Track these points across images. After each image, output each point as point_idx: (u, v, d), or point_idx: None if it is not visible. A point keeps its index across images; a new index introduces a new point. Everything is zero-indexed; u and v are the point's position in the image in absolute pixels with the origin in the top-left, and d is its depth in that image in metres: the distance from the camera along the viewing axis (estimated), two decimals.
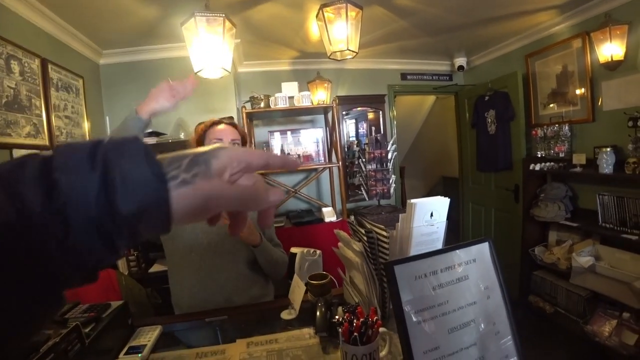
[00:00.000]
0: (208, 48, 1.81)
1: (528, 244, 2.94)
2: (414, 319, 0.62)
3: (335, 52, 1.98)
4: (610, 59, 2.38)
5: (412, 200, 0.84)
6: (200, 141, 1.36)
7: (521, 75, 3.09)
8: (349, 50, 1.96)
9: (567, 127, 2.73)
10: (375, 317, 0.73)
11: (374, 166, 3.13)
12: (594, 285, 2.34)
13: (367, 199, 3.24)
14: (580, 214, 2.66)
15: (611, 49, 2.36)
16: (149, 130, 2.38)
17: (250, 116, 3.06)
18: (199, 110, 2.83)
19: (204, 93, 2.82)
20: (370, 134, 3.72)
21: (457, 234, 4.19)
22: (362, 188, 3.29)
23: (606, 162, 2.30)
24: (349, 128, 4.00)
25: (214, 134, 1.34)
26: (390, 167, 3.19)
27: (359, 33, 1.98)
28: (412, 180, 5.81)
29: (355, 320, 0.72)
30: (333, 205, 3.22)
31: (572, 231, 2.71)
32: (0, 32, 1.63)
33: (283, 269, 1.48)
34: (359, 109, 3.90)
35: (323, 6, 1.90)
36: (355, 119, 4.15)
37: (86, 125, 2.41)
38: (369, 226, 0.96)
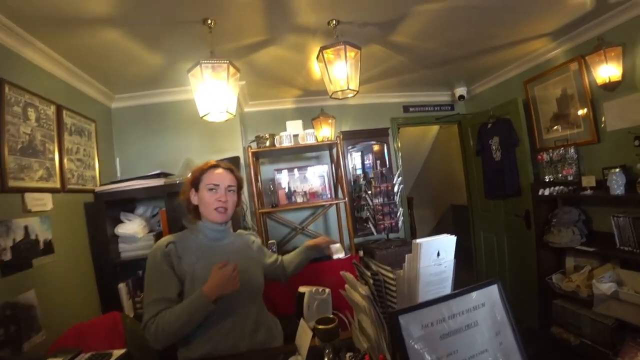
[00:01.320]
0: (213, 93, 1.88)
1: (544, 271, 2.83)
2: None
3: (337, 91, 2.03)
4: (608, 80, 2.40)
5: (417, 241, 0.83)
6: (196, 183, 1.35)
7: (521, 101, 3.12)
8: (350, 89, 2.01)
9: (573, 150, 2.71)
10: None
11: (380, 200, 3.12)
12: (619, 313, 2.22)
13: (375, 233, 3.21)
14: (597, 238, 2.57)
15: (608, 71, 2.39)
16: (157, 172, 2.43)
17: (257, 155, 3.12)
18: (206, 150, 2.90)
19: (211, 133, 2.91)
20: (376, 167, 3.74)
21: (471, 264, 4.08)
22: (369, 222, 3.26)
23: (617, 183, 2.26)
24: (355, 161, 4.03)
25: (211, 179, 1.33)
26: (397, 200, 3.18)
27: (359, 72, 2.04)
28: (421, 210, 5.74)
29: None
30: (341, 241, 3.18)
31: (590, 256, 2.60)
32: (19, 82, 1.73)
33: None
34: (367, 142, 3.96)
35: (323, 48, 1.97)
36: (362, 152, 4.20)
37: (97, 167, 2.48)
38: (375, 268, 0.94)
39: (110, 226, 2.34)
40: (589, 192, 2.47)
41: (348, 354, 1.00)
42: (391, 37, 2.38)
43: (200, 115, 1.94)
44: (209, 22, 1.83)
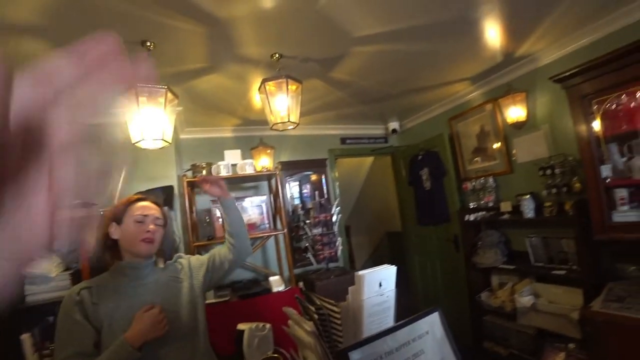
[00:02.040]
0: (148, 119, 1.78)
1: (474, 290, 3.05)
2: None
3: (277, 123, 2.05)
4: (516, 120, 2.79)
5: (360, 273, 0.85)
6: (119, 216, 1.24)
7: (447, 135, 3.45)
8: (290, 121, 2.05)
9: (491, 179, 3.04)
10: None
11: (319, 230, 3.14)
12: (538, 322, 2.46)
13: (315, 263, 3.20)
14: (515, 256, 2.87)
15: (516, 112, 2.78)
16: (76, 201, 2.18)
17: (192, 184, 2.97)
18: (136, 178, 2.68)
19: (142, 160, 2.70)
20: (315, 197, 3.78)
21: (407, 288, 4.23)
22: (309, 252, 3.25)
23: (528, 208, 2.57)
24: (292, 191, 4.04)
25: (139, 210, 1.26)
26: (336, 229, 3.22)
27: (300, 105, 2.10)
28: (358, 238, 5.89)
29: None
30: (281, 273, 3.11)
31: (511, 273, 2.87)
32: None
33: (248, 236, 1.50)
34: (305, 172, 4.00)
35: (265, 80, 2.00)
36: (299, 181, 4.23)
37: None
38: (319, 302, 0.93)
39: None
40: (506, 216, 2.77)
41: None
42: (331, 74, 2.50)
43: (133, 142, 1.81)
44: (148, 44, 1.76)
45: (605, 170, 2.06)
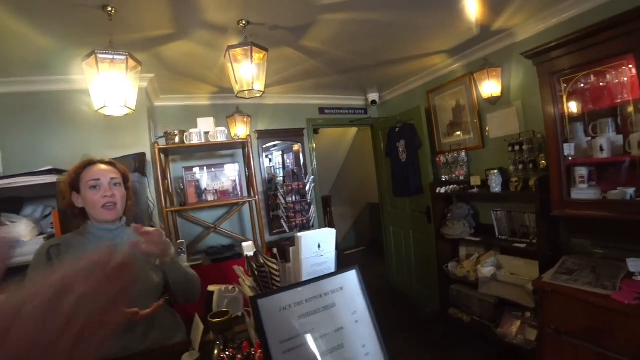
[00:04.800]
0: (110, 85, 1.75)
1: (442, 260, 3.17)
2: (280, 350, 0.64)
3: (243, 91, 2.03)
4: (490, 95, 2.79)
5: (298, 234, 0.89)
6: (76, 184, 1.27)
7: (424, 108, 3.43)
8: (256, 90, 2.03)
9: (464, 154, 3.08)
10: (260, 350, 0.74)
11: (293, 198, 3.19)
12: (498, 291, 2.60)
13: (287, 230, 3.28)
14: (482, 229, 2.96)
15: (491, 87, 2.76)
16: (49, 167, 2.17)
17: (166, 152, 2.96)
18: (108, 145, 2.66)
19: (113, 128, 2.68)
20: (293, 165, 3.81)
21: (383, 256, 4.38)
22: (282, 220, 3.32)
23: (495, 183, 2.62)
24: (275, 160, 4.04)
25: (91, 174, 1.27)
26: (309, 198, 3.27)
27: (265, 73, 2.07)
28: (340, 208, 5.99)
29: (238, 355, 0.72)
30: (255, 240, 3.19)
31: (477, 245, 2.99)
32: None
33: (199, 286, 1.48)
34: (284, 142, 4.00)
35: (229, 48, 1.96)
36: (282, 151, 4.24)
37: None
38: (262, 260, 0.98)
39: None
40: (475, 190, 2.84)
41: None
42: (302, 42, 2.44)
43: (95, 109, 1.80)
44: (109, 9, 1.69)
45: (568, 149, 2.08)
